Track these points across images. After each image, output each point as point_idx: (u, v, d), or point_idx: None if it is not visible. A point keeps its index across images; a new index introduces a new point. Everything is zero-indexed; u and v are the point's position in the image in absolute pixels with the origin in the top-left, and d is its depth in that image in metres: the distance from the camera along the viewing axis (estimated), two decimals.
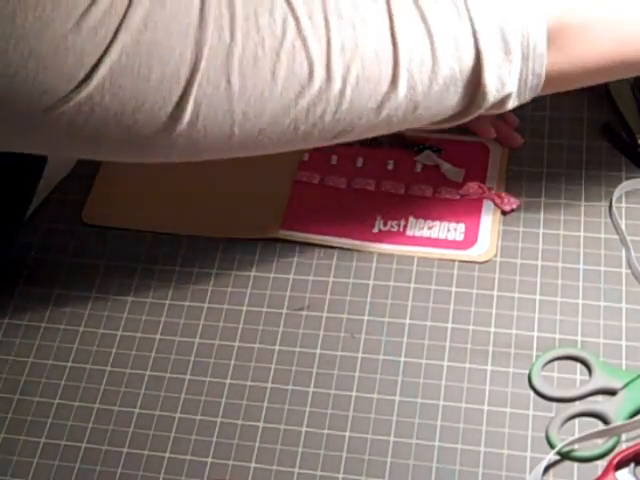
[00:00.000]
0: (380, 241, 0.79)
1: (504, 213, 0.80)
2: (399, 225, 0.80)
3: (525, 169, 0.83)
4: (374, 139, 0.83)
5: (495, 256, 0.78)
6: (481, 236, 0.78)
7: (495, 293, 0.77)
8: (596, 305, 0.75)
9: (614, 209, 0.79)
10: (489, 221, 0.79)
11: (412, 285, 0.78)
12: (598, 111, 0.85)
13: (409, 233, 0.79)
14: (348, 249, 0.79)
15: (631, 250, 0.76)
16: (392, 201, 0.81)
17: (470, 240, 0.78)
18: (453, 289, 0.77)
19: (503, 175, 0.82)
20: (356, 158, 0.84)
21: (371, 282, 0.78)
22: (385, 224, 0.80)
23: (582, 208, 0.80)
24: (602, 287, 0.76)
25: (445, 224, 0.79)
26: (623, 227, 0.78)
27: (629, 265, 0.76)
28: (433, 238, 0.79)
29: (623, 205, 0.80)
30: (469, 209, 0.80)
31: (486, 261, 0.78)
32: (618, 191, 0.80)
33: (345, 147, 0.84)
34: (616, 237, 0.78)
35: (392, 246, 0.79)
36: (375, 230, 0.80)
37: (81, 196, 0.87)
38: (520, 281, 0.77)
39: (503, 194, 0.80)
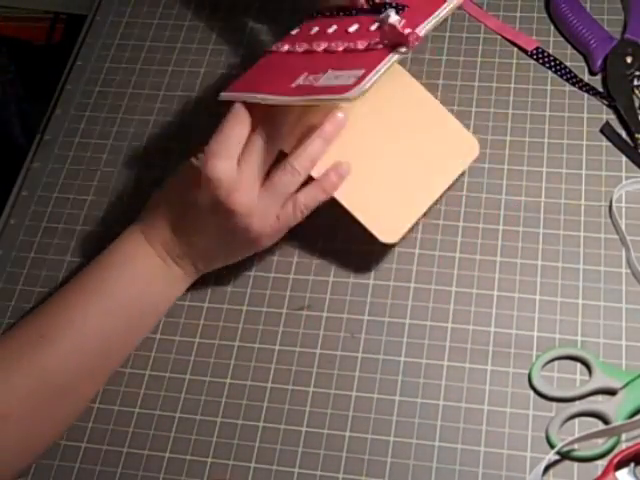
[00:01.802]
0: (289, 94, 0.72)
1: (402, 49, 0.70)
2: (315, 79, 0.73)
3: (525, 169, 0.83)
4: (348, 10, 0.78)
5: (496, 256, 0.78)
6: (366, 80, 0.69)
7: (495, 293, 0.77)
8: (596, 305, 0.75)
9: (614, 209, 0.79)
10: (383, 69, 0.69)
11: (412, 285, 0.78)
12: (598, 111, 0.85)
13: (319, 84, 0.72)
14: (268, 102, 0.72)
15: (631, 250, 0.76)
16: (324, 58, 0.76)
17: (355, 83, 0.69)
18: (453, 289, 0.77)
19: (435, 21, 0.71)
20: (330, 25, 0.78)
21: (371, 282, 0.78)
22: (306, 79, 0.74)
23: (582, 208, 0.80)
24: (602, 287, 0.76)
25: (347, 72, 0.72)
26: (623, 227, 0.78)
27: (629, 265, 0.77)
28: (329, 86, 0.71)
29: (623, 205, 0.80)
30: (375, 57, 0.71)
31: (353, 98, 0.68)
32: (618, 191, 0.80)
33: (325, 18, 0.79)
34: (616, 237, 0.78)
35: (285, 97, 0.71)
36: (293, 85, 0.73)
37: (81, 196, 0.87)
38: (520, 281, 0.77)
39: (422, 32, 0.69)
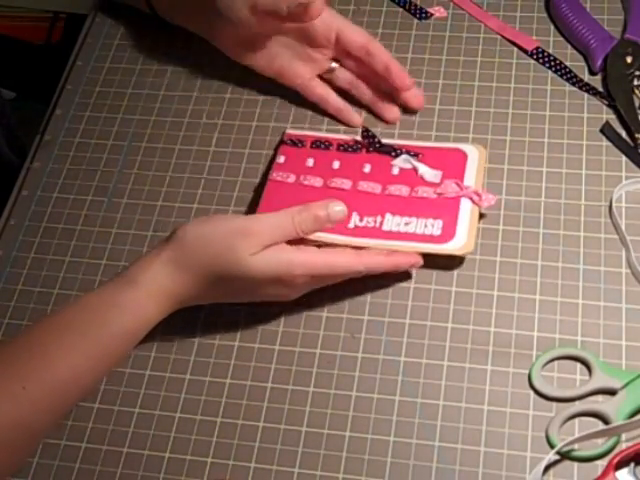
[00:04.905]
0: (355, 235, 0.78)
1: (481, 215, 0.79)
2: (375, 221, 0.78)
3: (525, 169, 0.83)
4: (351, 145, 0.83)
5: (495, 256, 0.78)
6: (459, 230, 0.77)
7: (495, 293, 0.77)
8: (596, 305, 0.75)
9: (614, 209, 0.79)
10: (467, 217, 0.77)
11: (412, 285, 0.78)
12: (598, 111, 0.85)
13: (385, 228, 0.78)
14: (323, 244, 0.77)
15: (631, 250, 0.76)
16: (368, 199, 0.80)
17: (447, 235, 0.77)
18: (453, 289, 0.77)
19: (481, 176, 0.80)
20: (332, 161, 0.83)
21: (371, 282, 0.78)
22: (361, 220, 0.78)
23: (582, 208, 0.80)
24: (602, 287, 0.76)
25: (422, 220, 0.78)
26: (623, 227, 0.78)
27: (629, 265, 0.77)
28: (410, 233, 0.77)
29: (623, 205, 0.80)
30: (446, 206, 0.78)
31: (462, 256, 0.77)
32: (618, 191, 0.80)
33: (322, 151, 0.83)
34: (616, 237, 0.78)
35: (367, 240, 0.77)
36: (351, 226, 0.78)
37: (81, 196, 0.87)
38: (520, 281, 0.77)
39: (481, 191, 0.78)
